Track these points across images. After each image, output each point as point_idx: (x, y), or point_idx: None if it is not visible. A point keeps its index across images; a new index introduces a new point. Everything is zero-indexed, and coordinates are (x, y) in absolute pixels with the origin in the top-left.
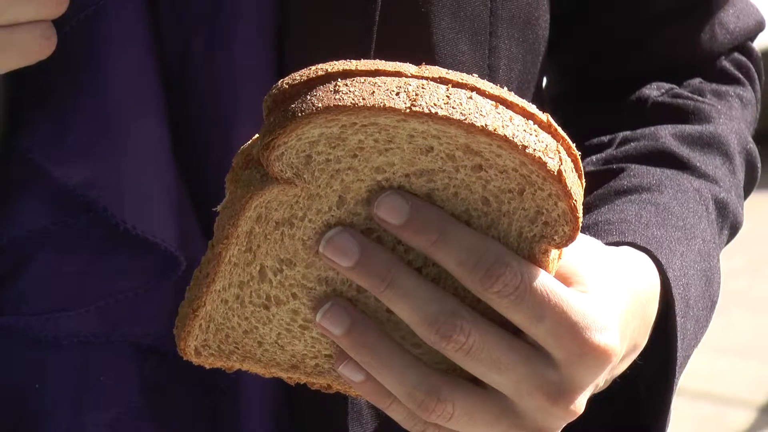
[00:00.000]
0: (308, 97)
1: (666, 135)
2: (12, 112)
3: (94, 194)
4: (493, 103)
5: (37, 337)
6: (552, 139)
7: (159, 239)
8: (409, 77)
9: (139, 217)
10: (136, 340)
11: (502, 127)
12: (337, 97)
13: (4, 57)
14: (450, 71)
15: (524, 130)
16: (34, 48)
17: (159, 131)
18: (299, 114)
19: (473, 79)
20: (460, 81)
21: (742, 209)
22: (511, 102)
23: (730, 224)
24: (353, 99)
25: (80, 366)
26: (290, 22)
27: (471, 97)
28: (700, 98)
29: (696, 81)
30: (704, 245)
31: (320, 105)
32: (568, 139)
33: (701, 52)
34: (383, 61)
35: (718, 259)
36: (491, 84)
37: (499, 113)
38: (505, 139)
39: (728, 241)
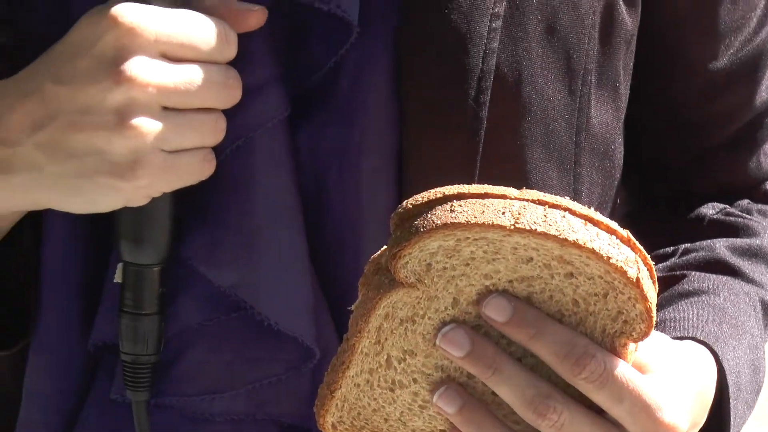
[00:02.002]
0: (429, 216)
1: (720, 247)
2: (177, 225)
3: (242, 295)
4: (583, 221)
5: (194, 414)
6: (631, 252)
7: (297, 334)
8: (513, 199)
9: (280, 315)
10: (278, 418)
11: (590, 241)
12: (453, 215)
13: (172, 177)
14: (546, 194)
15: (608, 244)
16: (196, 170)
17: (298, 243)
18: (421, 229)
19: (566, 201)
20: (555, 203)
21: None
22: (597, 220)
23: None
24: (466, 217)
25: None
26: (409, 152)
27: (564, 216)
28: (748, 216)
29: (745, 202)
30: (752, 339)
31: (439, 222)
32: (644, 252)
33: (749, 179)
34: (491, 186)
35: (764, 351)
36: (580, 205)
37: (588, 230)
38: (593, 251)
39: None
